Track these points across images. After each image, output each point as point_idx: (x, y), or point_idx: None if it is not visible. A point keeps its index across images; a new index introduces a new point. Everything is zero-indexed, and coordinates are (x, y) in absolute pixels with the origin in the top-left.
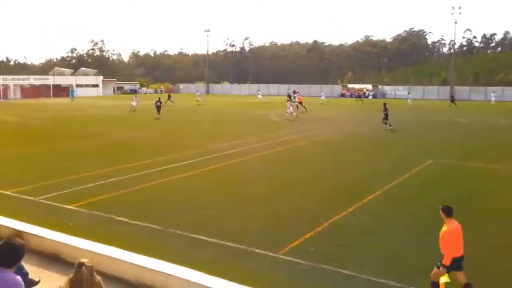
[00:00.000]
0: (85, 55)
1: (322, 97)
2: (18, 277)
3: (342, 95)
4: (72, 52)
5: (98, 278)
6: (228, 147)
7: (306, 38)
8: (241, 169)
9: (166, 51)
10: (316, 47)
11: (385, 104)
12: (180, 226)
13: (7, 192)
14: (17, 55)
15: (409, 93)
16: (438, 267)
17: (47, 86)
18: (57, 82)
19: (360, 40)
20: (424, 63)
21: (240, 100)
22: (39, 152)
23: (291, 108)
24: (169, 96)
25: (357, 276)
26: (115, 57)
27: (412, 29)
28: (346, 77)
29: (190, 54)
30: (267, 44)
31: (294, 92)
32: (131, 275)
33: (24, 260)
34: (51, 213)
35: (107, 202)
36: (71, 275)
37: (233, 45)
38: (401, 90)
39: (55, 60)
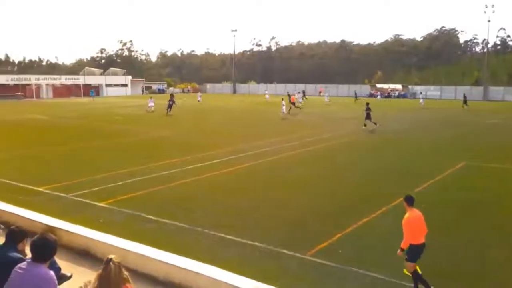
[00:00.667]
0: (114, 55)
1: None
2: (52, 272)
3: (371, 95)
4: (101, 52)
5: (126, 273)
6: (254, 147)
7: (334, 37)
8: (268, 169)
9: (193, 51)
10: (343, 46)
11: (367, 104)
12: (207, 225)
13: (40, 189)
14: (49, 55)
15: (421, 93)
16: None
17: (77, 86)
18: (87, 82)
19: (389, 39)
20: (456, 63)
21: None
22: (70, 150)
23: (284, 107)
24: (172, 96)
25: (386, 279)
26: (143, 57)
27: (444, 28)
28: (374, 77)
29: (216, 54)
30: (293, 44)
31: (300, 92)
32: (159, 273)
33: (56, 256)
34: (81, 210)
35: (135, 200)
36: (99, 271)
37: (260, 45)
38: (432, 90)
39: (85, 60)
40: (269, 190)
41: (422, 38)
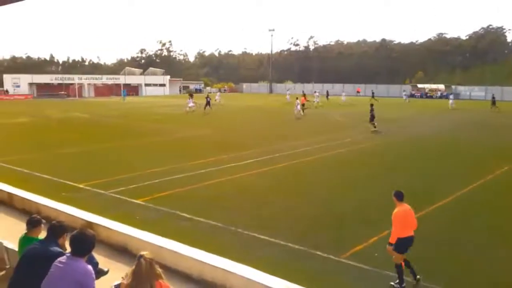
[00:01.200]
0: (153, 55)
1: (404, 97)
2: (90, 267)
3: (412, 96)
4: (141, 52)
5: (158, 270)
6: (290, 147)
7: (374, 36)
8: (303, 170)
9: (230, 51)
10: (384, 45)
11: (372, 105)
12: (241, 224)
13: (80, 185)
14: (92, 56)
15: (451, 93)
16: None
17: (118, 85)
18: (128, 82)
19: (432, 38)
20: (502, 62)
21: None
22: (109, 148)
23: (298, 106)
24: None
25: (422, 284)
26: (181, 57)
27: (490, 26)
28: (416, 77)
29: (254, 54)
30: (332, 43)
31: (317, 92)
32: (193, 270)
33: (94, 251)
34: (119, 207)
35: (171, 198)
36: (133, 267)
37: (297, 44)
38: (476, 91)
39: (126, 60)
40: (304, 190)
41: (467, 37)
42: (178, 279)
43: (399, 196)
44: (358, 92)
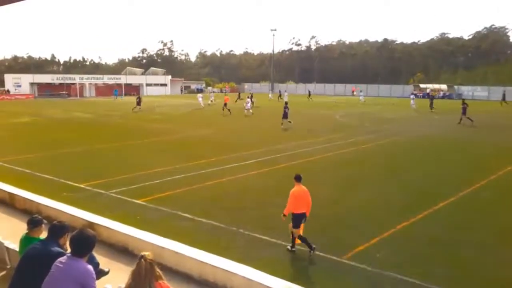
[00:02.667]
0: (155, 55)
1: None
2: (90, 267)
3: (414, 96)
4: (143, 52)
5: (159, 271)
6: (292, 147)
7: (376, 36)
8: (306, 170)
9: (231, 50)
10: (386, 45)
11: (286, 103)
12: (243, 225)
13: (81, 185)
14: (93, 55)
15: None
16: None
17: (119, 85)
18: (129, 81)
19: (435, 38)
20: (505, 62)
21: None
22: (111, 148)
23: (248, 104)
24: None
25: (425, 286)
26: (183, 57)
27: (493, 26)
28: (416, 77)
29: (255, 54)
30: (334, 43)
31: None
32: (194, 271)
33: (95, 251)
34: (120, 207)
35: (172, 198)
36: (133, 268)
37: (299, 44)
38: (479, 91)
39: (127, 60)
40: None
41: (470, 37)
42: (179, 280)
43: (298, 179)
44: (353, 92)
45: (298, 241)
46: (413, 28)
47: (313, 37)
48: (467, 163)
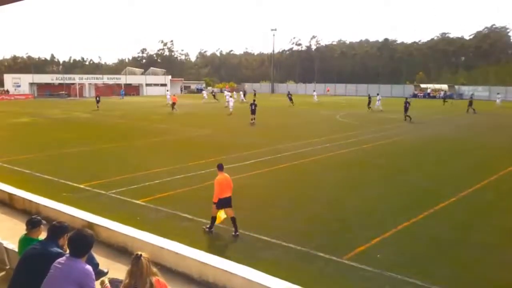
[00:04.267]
0: (155, 55)
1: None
2: (89, 267)
3: (415, 96)
4: (142, 52)
5: (155, 268)
6: (293, 147)
7: (376, 36)
8: (307, 170)
9: (232, 50)
10: (387, 45)
11: (254, 100)
12: (243, 226)
13: (81, 186)
14: (93, 55)
15: (498, 93)
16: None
17: (119, 85)
18: (129, 81)
19: (435, 38)
20: (506, 62)
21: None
22: (110, 148)
23: (231, 103)
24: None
25: (426, 286)
26: (183, 57)
27: (494, 26)
28: (418, 77)
29: (255, 54)
30: (334, 43)
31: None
32: (194, 271)
33: (94, 251)
34: (120, 207)
35: (172, 198)
36: (129, 267)
37: (299, 44)
38: (480, 91)
39: (127, 60)
40: (307, 191)
41: (471, 37)
42: (179, 280)
43: (219, 167)
44: (327, 91)
45: (220, 221)
46: (413, 28)
47: (313, 37)
48: (468, 163)
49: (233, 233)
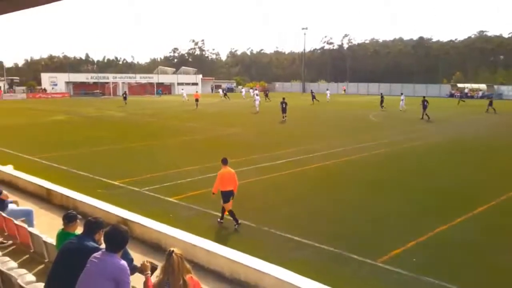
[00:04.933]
0: (186, 54)
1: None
2: (124, 262)
3: (451, 95)
4: (174, 51)
5: (188, 265)
6: (325, 147)
7: (411, 34)
8: (338, 171)
9: (262, 49)
10: (422, 43)
11: (283, 98)
12: (274, 225)
13: (115, 183)
14: (126, 55)
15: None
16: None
17: (151, 84)
18: (160, 80)
19: (472, 36)
20: None
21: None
22: (143, 146)
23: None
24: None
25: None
26: (213, 56)
27: None
28: (454, 76)
29: (286, 53)
30: (367, 41)
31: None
32: (226, 269)
33: (128, 247)
34: (153, 204)
35: (204, 197)
36: (163, 263)
37: (331, 43)
38: None
39: (159, 59)
40: (340, 191)
41: (510, 35)
42: (210, 278)
43: (223, 161)
44: (344, 90)
45: (226, 213)
46: (450, 26)
47: (345, 35)
48: (505, 166)
49: (235, 225)
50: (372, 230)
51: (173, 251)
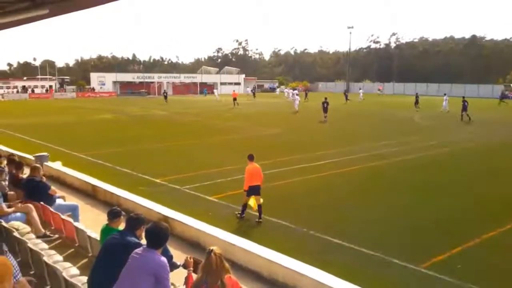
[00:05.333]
0: (229, 54)
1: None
2: (164, 259)
3: (505, 96)
4: (218, 51)
5: (227, 265)
6: (368, 148)
7: (463, 32)
8: (381, 173)
9: (306, 49)
10: (474, 42)
11: (325, 98)
12: (313, 226)
13: (157, 180)
14: (171, 55)
15: None
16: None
17: (194, 84)
18: (204, 80)
19: None
20: None
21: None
22: (185, 145)
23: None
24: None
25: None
26: (256, 56)
27: None
28: (508, 76)
29: (330, 52)
30: (416, 40)
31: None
32: (264, 270)
33: (168, 244)
34: (193, 202)
35: (243, 197)
36: (202, 262)
37: (378, 42)
38: None
39: (202, 59)
40: (382, 194)
41: None
42: (248, 277)
43: (250, 157)
44: (379, 90)
45: (254, 208)
46: (505, 23)
47: (393, 34)
48: None
49: (257, 219)
50: (415, 234)
51: (212, 250)
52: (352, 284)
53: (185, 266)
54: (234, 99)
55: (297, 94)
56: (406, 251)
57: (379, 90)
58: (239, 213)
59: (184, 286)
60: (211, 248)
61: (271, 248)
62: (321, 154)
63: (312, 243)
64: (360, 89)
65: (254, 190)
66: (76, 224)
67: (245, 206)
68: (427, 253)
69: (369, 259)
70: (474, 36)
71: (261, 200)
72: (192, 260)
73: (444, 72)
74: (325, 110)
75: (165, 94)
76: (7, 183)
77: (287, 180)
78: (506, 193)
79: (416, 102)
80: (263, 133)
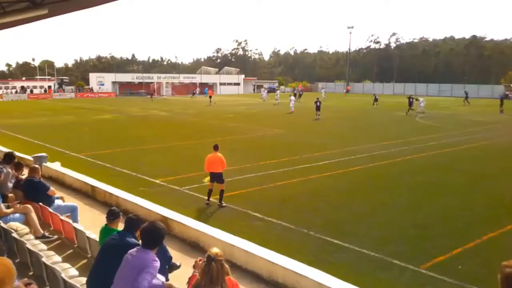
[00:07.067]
0: (229, 54)
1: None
2: (157, 258)
3: (506, 97)
4: (217, 52)
5: (227, 267)
6: (368, 149)
7: (463, 32)
8: (382, 174)
9: (306, 49)
10: (474, 42)
11: (317, 98)
12: (314, 227)
13: (156, 181)
14: (170, 55)
15: None
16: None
17: (194, 84)
18: (203, 80)
19: None
20: None
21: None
22: (185, 146)
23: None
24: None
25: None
26: (256, 56)
27: None
28: (508, 76)
29: (330, 52)
30: (416, 40)
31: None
32: (264, 271)
33: (168, 245)
34: (193, 203)
35: (243, 197)
36: (203, 265)
37: (378, 42)
38: None
39: (202, 59)
40: (382, 195)
41: None
42: (248, 278)
43: (215, 148)
44: (347, 90)
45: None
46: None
47: (393, 34)
48: None
49: (218, 203)
50: (415, 235)
51: (213, 258)
52: (352, 285)
53: (194, 266)
54: (210, 96)
55: (293, 95)
56: (406, 252)
57: (346, 90)
58: (207, 202)
59: (187, 285)
60: (212, 255)
61: (270, 249)
62: (321, 155)
63: (313, 244)
64: (322, 88)
65: (215, 177)
66: (75, 225)
67: (210, 192)
68: (427, 254)
69: (369, 260)
70: (474, 37)
71: (223, 187)
72: (201, 262)
73: (445, 72)
74: (318, 108)
75: (151, 94)
76: (11, 184)
77: (289, 180)
78: (506, 193)
79: (410, 104)
80: (262, 134)
